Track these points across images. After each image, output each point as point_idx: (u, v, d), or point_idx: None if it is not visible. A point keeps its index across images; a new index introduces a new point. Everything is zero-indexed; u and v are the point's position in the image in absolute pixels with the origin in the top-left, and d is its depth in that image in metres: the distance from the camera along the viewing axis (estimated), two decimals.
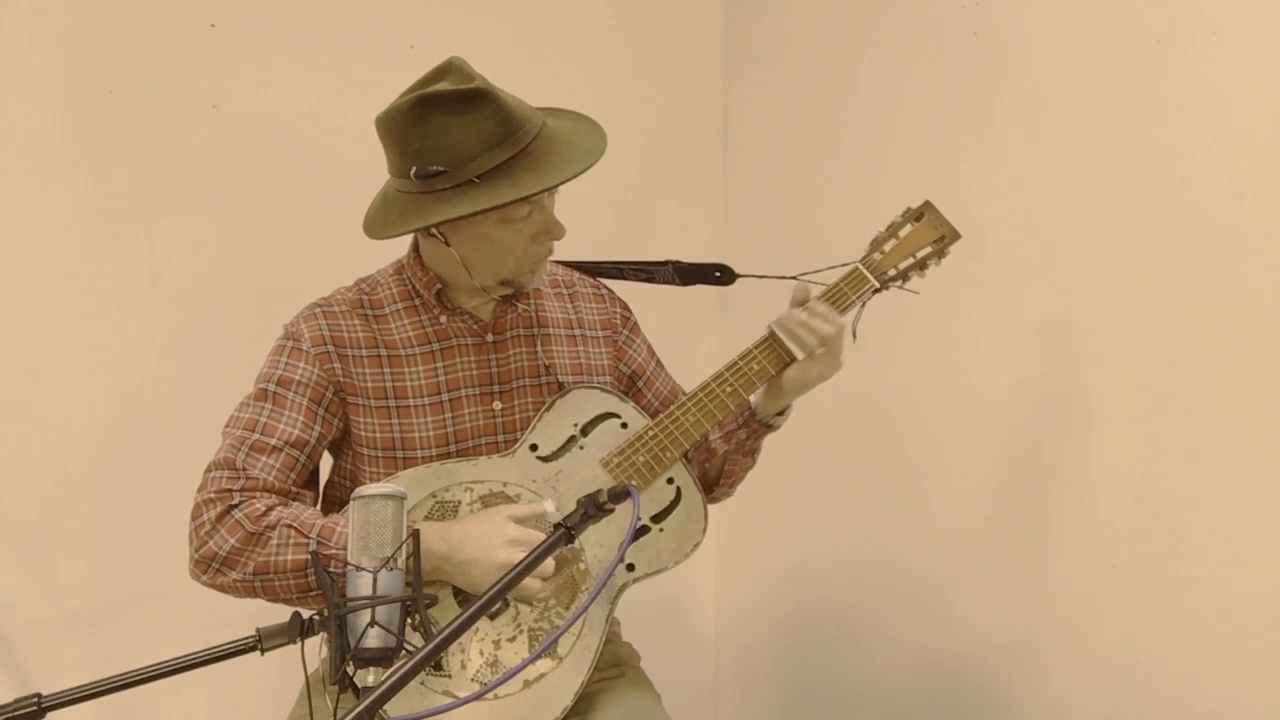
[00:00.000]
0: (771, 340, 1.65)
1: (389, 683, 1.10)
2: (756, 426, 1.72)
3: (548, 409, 1.66)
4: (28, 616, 2.18)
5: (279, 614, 1.28)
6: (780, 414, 1.72)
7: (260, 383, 1.62)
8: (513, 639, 1.59)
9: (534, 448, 1.65)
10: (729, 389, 1.65)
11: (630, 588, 1.66)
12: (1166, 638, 1.88)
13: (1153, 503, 1.89)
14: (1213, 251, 1.81)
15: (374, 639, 1.18)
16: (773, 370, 1.66)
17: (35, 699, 1.15)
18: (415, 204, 1.55)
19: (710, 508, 1.69)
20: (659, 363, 1.88)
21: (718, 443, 1.75)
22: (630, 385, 1.82)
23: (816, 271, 1.72)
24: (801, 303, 1.66)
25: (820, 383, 1.66)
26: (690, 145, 2.83)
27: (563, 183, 1.54)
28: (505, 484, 1.62)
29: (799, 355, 1.63)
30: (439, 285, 1.66)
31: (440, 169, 1.51)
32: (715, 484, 1.80)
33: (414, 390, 1.64)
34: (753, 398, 1.71)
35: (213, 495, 1.53)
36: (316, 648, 1.51)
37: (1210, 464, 1.81)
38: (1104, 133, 1.96)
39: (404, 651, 1.19)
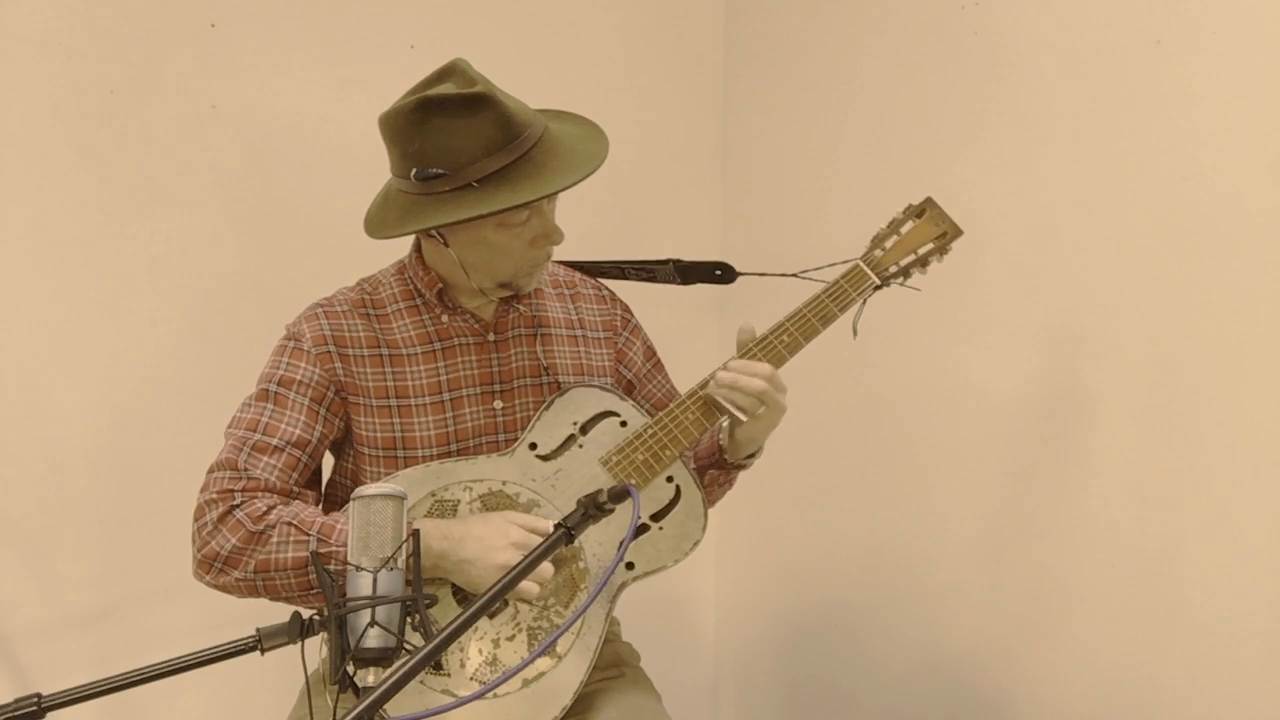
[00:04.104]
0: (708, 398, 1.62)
1: (389, 683, 1.11)
2: (728, 468, 1.72)
3: (547, 408, 1.66)
4: (28, 616, 2.18)
5: (279, 614, 1.28)
6: (750, 456, 1.72)
7: (262, 383, 1.63)
8: (512, 638, 1.59)
9: (533, 446, 1.65)
10: None
11: (630, 587, 1.66)
12: (1166, 637, 1.88)
13: (1153, 502, 1.89)
14: (1213, 251, 1.81)
15: (374, 639, 1.18)
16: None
17: (35, 699, 1.15)
18: (415, 205, 1.55)
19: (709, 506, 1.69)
20: (656, 364, 1.87)
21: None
22: (630, 388, 1.82)
23: (817, 269, 1.72)
24: (744, 345, 1.64)
25: (770, 431, 1.65)
26: (690, 145, 2.83)
27: (561, 190, 1.54)
28: (505, 483, 1.63)
29: (742, 419, 1.61)
30: (440, 285, 1.66)
31: (440, 171, 1.51)
32: None
33: (415, 389, 1.64)
34: (722, 437, 1.70)
35: (215, 496, 1.54)
36: (316, 648, 1.51)
37: (1211, 464, 1.81)
38: (1104, 132, 1.96)
39: (404, 651, 1.19)
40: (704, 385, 1.64)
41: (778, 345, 1.66)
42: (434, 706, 1.48)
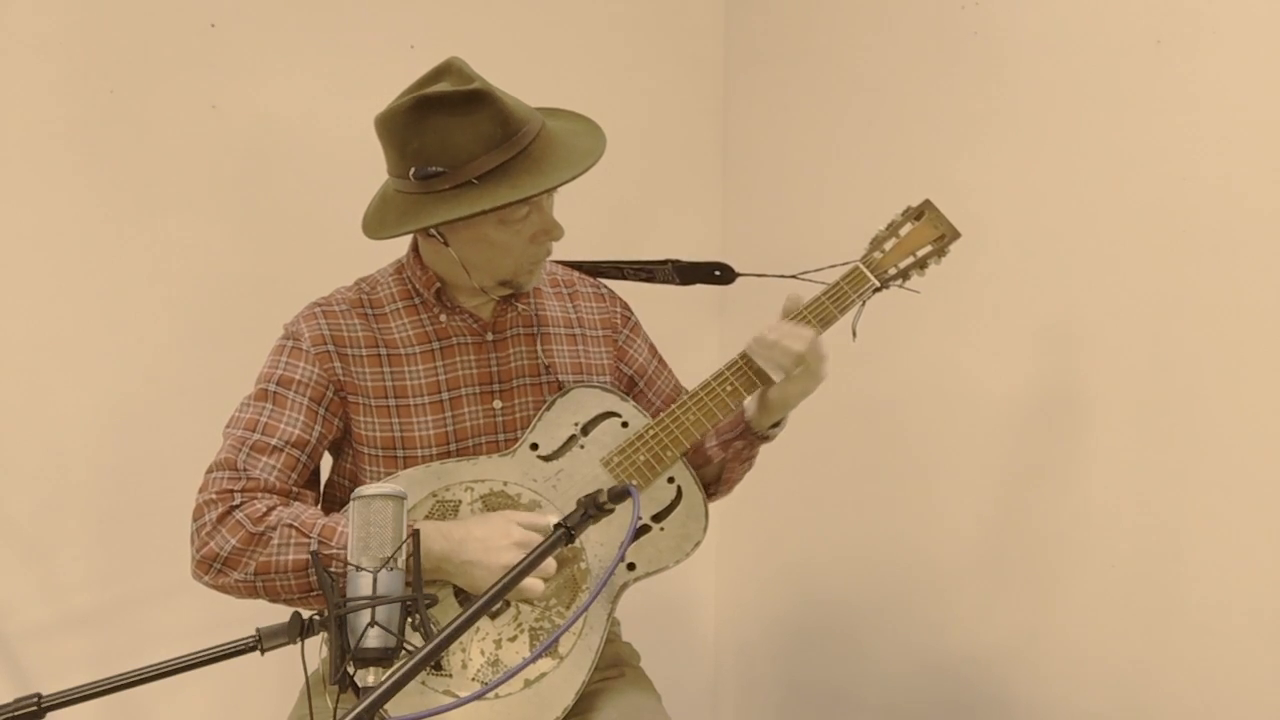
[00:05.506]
0: (747, 360, 1.64)
1: (389, 683, 1.10)
2: (752, 438, 1.73)
3: (548, 408, 1.66)
4: (28, 616, 2.18)
5: (279, 614, 1.28)
6: (775, 426, 1.72)
7: (260, 383, 1.62)
8: (514, 638, 1.59)
9: (534, 447, 1.65)
10: (729, 388, 1.65)
11: (631, 587, 1.66)
12: (1166, 638, 1.88)
13: (1153, 503, 1.89)
14: (1213, 251, 1.81)
15: (374, 639, 1.18)
16: None
17: (35, 699, 1.15)
18: (414, 204, 1.55)
19: (710, 507, 1.69)
20: (660, 361, 1.88)
21: (714, 450, 1.76)
22: (631, 385, 1.82)
23: (817, 270, 1.72)
24: (790, 313, 1.66)
25: (803, 399, 1.66)
26: (690, 145, 2.83)
27: (561, 185, 1.54)
28: (506, 483, 1.62)
29: (775, 377, 1.62)
30: (438, 284, 1.66)
31: (439, 170, 1.51)
32: (712, 486, 1.80)
33: (414, 389, 1.64)
34: (748, 407, 1.71)
35: (214, 496, 1.53)
36: (316, 648, 1.51)
37: (1210, 464, 1.81)
38: (1104, 133, 1.96)
39: (404, 651, 1.19)
40: (718, 376, 1.65)
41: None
42: (434, 706, 1.48)
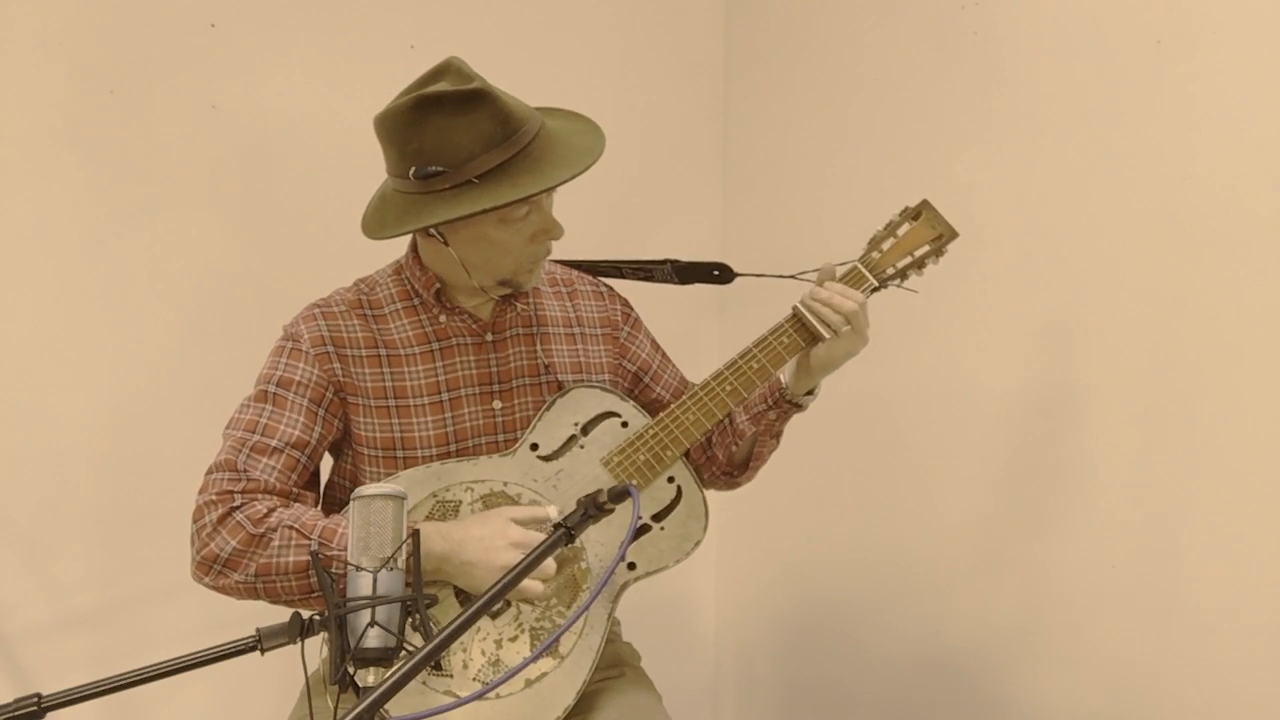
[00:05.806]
0: (792, 323, 1.66)
1: (389, 683, 1.11)
2: (786, 407, 1.74)
3: (548, 408, 1.66)
4: (28, 616, 2.18)
5: (279, 614, 1.28)
6: (809, 394, 1.74)
7: (260, 384, 1.62)
8: (514, 638, 1.59)
9: (534, 447, 1.65)
10: (729, 388, 1.66)
11: (631, 587, 1.66)
12: (1165, 636, 1.88)
13: (1152, 502, 1.89)
14: (1213, 251, 1.81)
15: (374, 639, 1.19)
16: (773, 369, 1.67)
17: (35, 699, 1.15)
18: (414, 204, 1.55)
19: (710, 506, 1.69)
20: (664, 355, 1.88)
21: (746, 425, 1.77)
22: (636, 381, 1.82)
23: (815, 270, 1.72)
24: (823, 279, 1.68)
25: (847, 360, 1.68)
26: (690, 145, 2.83)
27: (561, 183, 1.54)
28: (506, 483, 1.63)
29: (825, 334, 1.64)
30: (438, 285, 1.66)
31: (439, 169, 1.51)
32: (743, 467, 1.82)
33: (413, 390, 1.64)
34: (783, 376, 1.72)
35: (214, 497, 1.53)
36: (317, 648, 1.51)
37: (1210, 463, 1.81)
38: (1104, 132, 1.96)
39: (404, 651, 1.19)
40: (716, 377, 1.66)
41: (777, 346, 1.66)
42: (435, 706, 1.48)
